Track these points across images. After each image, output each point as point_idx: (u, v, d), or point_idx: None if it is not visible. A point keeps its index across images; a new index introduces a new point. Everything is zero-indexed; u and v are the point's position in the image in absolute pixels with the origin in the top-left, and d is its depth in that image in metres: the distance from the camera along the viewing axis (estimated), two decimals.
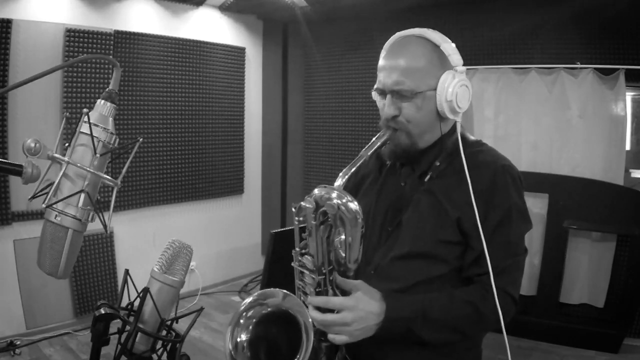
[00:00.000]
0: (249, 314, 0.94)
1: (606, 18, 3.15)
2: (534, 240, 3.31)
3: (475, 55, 3.52)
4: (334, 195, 0.92)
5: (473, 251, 1.03)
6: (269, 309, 0.94)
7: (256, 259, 4.71)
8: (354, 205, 0.91)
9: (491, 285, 0.98)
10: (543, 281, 3.26)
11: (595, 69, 3.18)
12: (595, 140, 3.25)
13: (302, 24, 4.35)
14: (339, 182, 0.97)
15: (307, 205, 0.94)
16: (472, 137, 1.13)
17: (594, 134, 3.24)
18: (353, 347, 1.04)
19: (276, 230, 1.96)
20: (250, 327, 0.93)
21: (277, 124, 4.86)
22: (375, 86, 1.10)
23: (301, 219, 0.97)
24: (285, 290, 0.95)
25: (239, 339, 0.92)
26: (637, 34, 3.11)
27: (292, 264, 1.02)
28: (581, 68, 3.21)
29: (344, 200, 0.91)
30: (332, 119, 4.49)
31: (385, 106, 1.06)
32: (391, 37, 1.10)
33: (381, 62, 1.08)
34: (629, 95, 3.28)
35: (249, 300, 0.96)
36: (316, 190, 0.94)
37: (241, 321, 0.94)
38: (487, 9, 3.57)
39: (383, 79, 1.06)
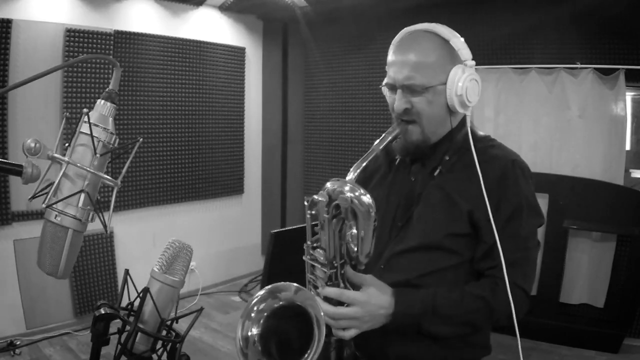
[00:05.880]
0: (261, 307, 0.93)
1: (606, 18, 3.15)
2: None
3: (475, 55, 3.49)
4: (347, 188, 0.92)
5: (484, 244, 1.04)
6: (280, 303, 0.92)
7: (256, 259, 4.71)
8: (367, 199, 0.91)
9: (501, 279, 0.98)
10: (543, 281, 3.26)
11: (595, 69, 3.18)
12: (595, 140, 3.24)
13: (302, 24, 4.35)
14: (350, 175, 0.97)
15: (320, 199, 0.94)
16: (480, 132, 1.13)
17: (594, 134, 3.24)
18: (361, 342, 1.04)
19: (276, 230, 1.97)
20: (262, 321, 0.92)
21: (277, 124, 4.86)
22: (384, 81, 1.10)
23: (313, 212, 0.97)
24: (297, 284, 0.93)
25: (249, 333, 0.91)
26: (637, 34, 3.11)
27: (304, 258, 1.02)
28: (581, 68, 3.21)
29: (356, 194, 0.91)
30: (332, 119, 4.48)
31: (396, 101, 1.06)
32: (400, 32, 1.10)
33: (391, 57, 1.08)
34: (629, 95, 3.28)
35: (260, 293, 0.94)
36: (329, 184, 0.94)
37: (252, 315, 0.92)
38: (487, 9, 3.56)
39: (394, 74, 1.06)
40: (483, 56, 3.54)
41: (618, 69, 3.11)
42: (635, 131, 3.47)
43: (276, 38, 4.75)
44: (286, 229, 2.13)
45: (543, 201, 3.28)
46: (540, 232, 3.28)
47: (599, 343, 3.11)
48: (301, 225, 2.00)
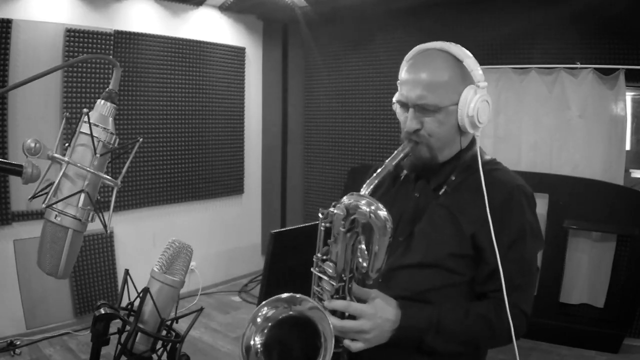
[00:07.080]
0: (269, 315, 0.92)
1: (606, 18, 3.15)
2: None
3: (475, 55, 3.50)
4: (364, 202, 0.91)
5: (487, 266, 1.04)
6: (290, 313, 0.92)
7: (256, 259, 4.71)
8: (383, 213, 0.91)
9: (505, 302, 0.99)
10: (543, 281, 3.25)
11: (595, 69, 3.18)
12: (595, 140, 3.24)
13: (302, 24, 4.35)
14: (364, 191, 0.97)
15: (338, 212, 0.93)
16: (487, 156, 1.14)
17: (594, 134, 3.24)
18: (354, 355, 1.04)
19: (276, 231, 1.96)
20: (266, 330, 0.91)
21: (277, 124, 4.86)
22: (396, 98, 1.11)
23: (328, 225, 0.97)
24: (313, 301, 0.92)
25: (252, 342, 0.90)
26: (637, 34, 3.11)
27: (312, 269, 1.02)
28: (581, 68, 3.21)
29: (373, 208, 0.91)
30: (332, 119, 4.48)
31: (407, 119, 1.07)
32: (413, 50, 1.11)
33: (404, 75, 1.09)
34: (629, 95, 3.28)
35: (271, 300, 0.93)
36: (345, 198, 0.94)
37: (258, 320, 0.91)
38: (487, 9, 3.56)
39: (406, 92, 1.06)
40: (483, 56, 3.53)
41: (618, 69, 3.11)
42: (635, 131, 3.47)
43: (276, 38, 4.75)
44: (286, 229, 2.13)
45: (543, 201, 3.28)
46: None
47: (599, 343, 3.11)
48: (301, 225, 2.00)
